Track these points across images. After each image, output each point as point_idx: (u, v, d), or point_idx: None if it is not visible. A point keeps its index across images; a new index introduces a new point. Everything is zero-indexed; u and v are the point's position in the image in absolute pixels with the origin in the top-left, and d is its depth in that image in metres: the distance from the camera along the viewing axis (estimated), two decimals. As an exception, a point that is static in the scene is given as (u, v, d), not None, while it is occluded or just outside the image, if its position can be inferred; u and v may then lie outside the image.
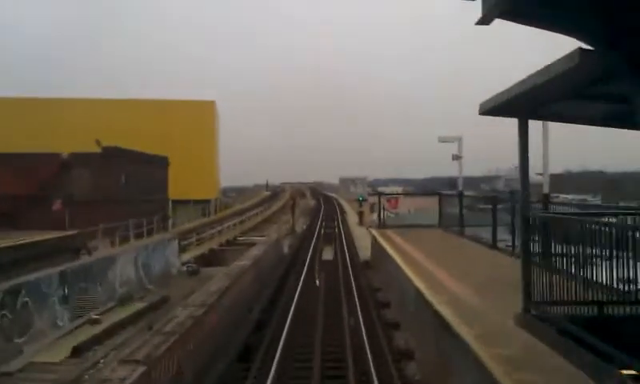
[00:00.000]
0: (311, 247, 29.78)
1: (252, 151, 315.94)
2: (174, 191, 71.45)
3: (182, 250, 25.06)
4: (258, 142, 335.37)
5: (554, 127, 12.95)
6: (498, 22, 4.62)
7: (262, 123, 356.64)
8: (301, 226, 41.55)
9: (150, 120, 72.90)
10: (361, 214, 41.76)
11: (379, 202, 23.81)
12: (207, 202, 67.07)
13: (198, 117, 75.67)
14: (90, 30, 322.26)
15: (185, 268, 21.89)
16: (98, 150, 45.95)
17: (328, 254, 28.22)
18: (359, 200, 43.49)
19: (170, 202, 70.24)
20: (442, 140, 20.50)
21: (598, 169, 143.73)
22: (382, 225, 23.14)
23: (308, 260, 24.60)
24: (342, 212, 62.77)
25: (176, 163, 73.06)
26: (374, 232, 22.11)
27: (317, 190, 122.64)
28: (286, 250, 29.41)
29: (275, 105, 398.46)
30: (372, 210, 39.79)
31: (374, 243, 21.70)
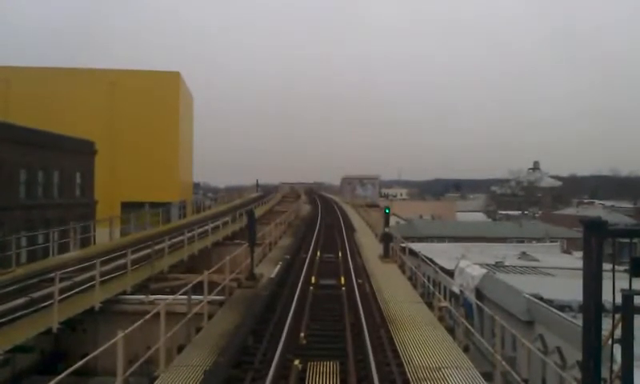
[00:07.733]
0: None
1: (253, 151, 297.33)
2: (128, 191, 54.42)
3: None
4: (259, 141, 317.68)
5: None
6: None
7: (263, 122, 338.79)
8: (276, 262, 22.49)
9: (90, 95, 55.54)
10: (387, 241, 23.50)
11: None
12: (168, 205, 49.36)
13: (158, 93, 58.15)
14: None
15: None
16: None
17: None
18: (385, 212, 24.78)
19: (120, 206, 53.40)
20: None
21: (630, 172, 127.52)
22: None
23: None
24: (345, 220, 44.91)
25: (126, 153, 55.69)
26: None
27: (313, 191, 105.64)
28: None
29: (275, 103, 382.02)
30: (386, 225, 22.24)
31: None
